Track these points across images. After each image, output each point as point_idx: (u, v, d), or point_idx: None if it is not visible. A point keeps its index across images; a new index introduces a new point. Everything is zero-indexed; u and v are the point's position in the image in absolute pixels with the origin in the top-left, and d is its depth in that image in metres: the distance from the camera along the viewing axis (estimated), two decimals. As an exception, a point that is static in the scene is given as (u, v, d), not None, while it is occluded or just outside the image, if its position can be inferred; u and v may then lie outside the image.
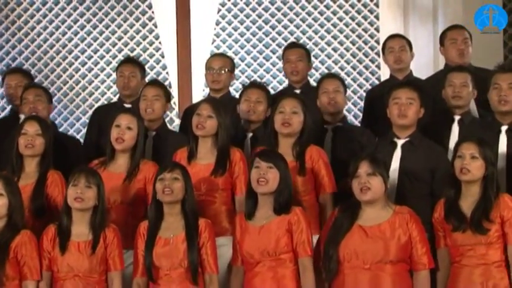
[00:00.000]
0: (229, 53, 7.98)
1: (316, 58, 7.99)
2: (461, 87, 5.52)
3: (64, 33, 8.01)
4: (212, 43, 7.94)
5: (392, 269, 4.54)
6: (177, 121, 7.32)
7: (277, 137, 5.19)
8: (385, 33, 7.34)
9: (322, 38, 8.02)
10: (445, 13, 7.74)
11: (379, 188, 4.57)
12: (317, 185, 5.15)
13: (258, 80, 7.80)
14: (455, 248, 4.61)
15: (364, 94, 7.24)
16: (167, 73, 7.91)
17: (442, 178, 4.94)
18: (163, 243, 4.71)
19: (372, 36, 7.99)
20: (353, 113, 7.89)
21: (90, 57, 7.98)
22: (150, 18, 8.02)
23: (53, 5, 8.00)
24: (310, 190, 5.14)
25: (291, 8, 8.04)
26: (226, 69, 6.14)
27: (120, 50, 8.01)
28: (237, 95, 6.09)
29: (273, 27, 8.04)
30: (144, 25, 8.04)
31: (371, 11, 8.00)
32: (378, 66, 7.87)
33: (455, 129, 5.48)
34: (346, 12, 8.01)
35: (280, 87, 7.36)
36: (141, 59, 7.93)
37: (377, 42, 7.83)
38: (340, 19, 8.02)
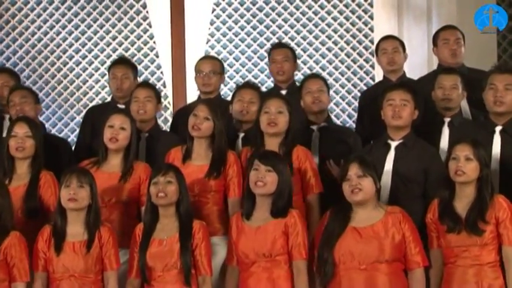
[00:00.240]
0: (224, 53, 8.02)
1: (311, 58, 8.01)
2: (451, 89, 5.53)
3: (58, 33, 8.01)
4: (206, 43, 7.95)
5: (388, 268, 4.55)
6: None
7: (264, 138, 5.19)
8: (379, 33, 7.35)
9: (316, 37, 8.03)
10: (439, 13, 7.75)
11: (370, 189, 4.59)
12: (304, 185, 5.16)
13: (253, 79, 7.85)
14: (450, 249, 4.62)
15: (359, 94, 7.25)
16: (161, 73, 7.92)
17: (435, 179, 4.96)
18: (157, 244, 4.71)
19: (366, 36, 8.00)
20: (347, 112, 7.91)
21: (84, 57, 7.98)
22: (145, 18, 8.02)
23: (47, 5, 8.00)
24: (298, 191, 5.13)
25: (285, 8, 8.05)
26: (216, 72, 6.14)
27: (114, 50, 8.01)
28: (228, 97, 6.09)
29: (267, 27, 8.05)
30: (138, 25, 8.04)
31: (365, 11, 8.01)
32: (372, 66, 7.88)
33: (445, 131, 5.49)
34: (341, 12, 8.02)
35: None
36: (135, 58, 7.97)
37: (371, 42, 7.84)
38: (335, 19, 8.03)
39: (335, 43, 8.03)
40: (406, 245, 4.58)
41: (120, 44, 8.02)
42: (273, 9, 8.05)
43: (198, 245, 4.71)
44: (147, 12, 7.99)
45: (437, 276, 4.68)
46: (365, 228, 4.58)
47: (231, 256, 4.78)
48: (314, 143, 5.56)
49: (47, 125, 7.83)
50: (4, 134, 5.47)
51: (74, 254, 4.68)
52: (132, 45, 8.02)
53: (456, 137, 5.15)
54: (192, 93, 7.54)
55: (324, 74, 7.96)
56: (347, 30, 8.02)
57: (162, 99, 7.75)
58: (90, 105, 7.61)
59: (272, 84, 7.63)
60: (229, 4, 8.04)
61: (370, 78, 7.90)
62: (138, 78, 7.82)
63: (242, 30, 8.05)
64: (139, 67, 7.95)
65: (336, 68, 8.01)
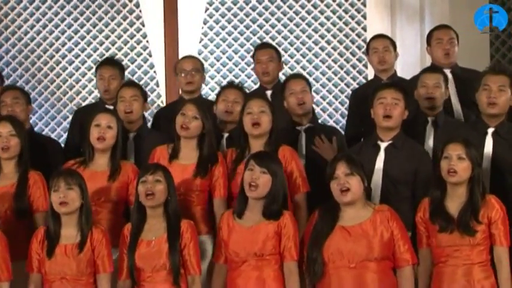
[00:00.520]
0: (217, 52, 8.02)
1: (304, 57, 8.01)
2: (434, 88, 5.54)
3: (51, 32, 7.99)
4: (200, 42, 7.94)
5: (377, 266, 4.56)
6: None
7: (248, 139, 5.19)
8: (372, 32, 7.34)
9: (309, 37, 8.03)
10: (432, 13, 7.76)
11: (358, 188, 4.60)
12: (291, 185, 5.14)
13: (246, 79, 7.86)
14: (441, 248, 4.63)
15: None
16: (155, 72, 7.91)
17: (423, 179, 4.98)
18: (145, 245, 4.70)
19: (359, 35, 8.01)
20: (340, 111, 7.91)
21: (77, 56, 7.96)
22: (138, 17, 8.01)
23: (40, 4, 7.98)
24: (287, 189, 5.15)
25: (278, 7, 8.05)
26: (199, 70, 6.17)
27: (107, 49, 8.00)
28: (210, 97, 6.10)
29: (260, 26, 8.05)
30: (131, 24, 8.03)
31: (358, 10, 8.02)
32: (365, 65, 7.88)
33: (429, 130, 5.51)
34: (334, 11, 8.03)
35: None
36: (128, 57, 7.97)
37: (364, 41, 7.83)
38: (328, 18, 8.04)
39: (328, 42, 8.03)
40: (395, 242, 4.59)
41: (113, 43, 8.01)
42: (266, 8, 8.05)
43: (187, 245, 4.71)
44: (140, 11, 7.97)
45: (426, 275, 4.69)
46: (354, 226, 4.59)
47: (219, 254, 4.79)
48: (300, 144, 5.56)
49: (39, 124, 7.85)
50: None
51: (67, 256, 4.66)
52: (125, 44, 8.01)
53: (442, 136, 5.18)
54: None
55: (317, 73, 8.00)
56: (340, 30, 8.03)
57: (156, 99, 7.85)
58: (83, 104, 7.60)
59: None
60: (223, 3, 8.03)
61: (363, 77, 7.91)
62: (131, 78, 7.90)
63: (235, 29, 8.04)
64: (133, 66, 7.96)
65: (329, 67, 8.02)
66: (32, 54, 7.97)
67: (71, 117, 7.64)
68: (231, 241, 4.71)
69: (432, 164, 5.00)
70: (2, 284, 4.64)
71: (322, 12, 8.03)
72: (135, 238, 4.71)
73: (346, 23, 8.03)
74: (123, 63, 7.87)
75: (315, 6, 8.02)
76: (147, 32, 7.92)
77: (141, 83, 7.82)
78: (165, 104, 7.56)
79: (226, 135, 5.62)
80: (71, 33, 7.99)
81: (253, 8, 8.06)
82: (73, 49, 7.98)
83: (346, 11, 8.03)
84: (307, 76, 7.85)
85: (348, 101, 7.58)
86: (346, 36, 8.01)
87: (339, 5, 8.02)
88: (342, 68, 8.02)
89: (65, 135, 7.53)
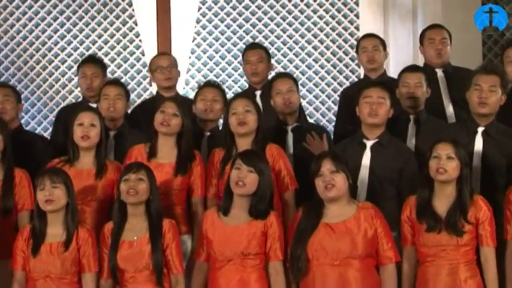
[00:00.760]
0: (210, 51, 8.02)
1: (297, 56, 8.01)
2: (415, 87, 5.57)
3: (44, 31, 7.98)
4: (192, 41, 7.94)
5: (360, 264, 4.58)
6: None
7: (234, 139, 5.19)
8: (365, 31, 7.33)
9: (302, 36, 8.03)
10: (425, 12, 7.77)
11: (343, 184, 4.61)
12: (279, 183, 5.17)
13: (239, 78, 7.86)
14: (428, 248, 4.64)
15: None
16: (147, 71, 7.90)
17: (408, 178, 5.00)
18: (127, 246, 4.69)
19: (352, 34, 8.01)
20: (333, 111, 7.89)
21: (70, 55, 7.94)
22: (131, 16, 8.00)
23: (32, 3, 7.97)
24: (274, 188, 5.14)
25: (271, 6, 8.04)
26: (175, 66, 6.21)
27: (100, 48, 7.99)
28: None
29: (253, 25, 8.04)
30: (124, 23, 8.02)
31: (351, 10, 8.02)
32: (358, 65, 7.83)
33: (412, 128, 5.52)
34: (327, 11, 8.03)
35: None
36: (121, 56, 7.96)
37: (357, 40, 7.82)
38: (321, 17, 8.04)
39: (321, 41, 8.03)
40: (378, 240, 4.61)
41: (106, 41, 8.00)
42: (259, 7, 8.05)
43: (169, 245, 4.71)
44: (133, 10, 7.97)
45: (410, 274, 4.71)
46: (337, 224, 4.60)
47: (200, 251, 4.78)
48: (288, 144, 5.57)
49: (32, 123, 7.84)
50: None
51: (51, 255, 4.66)
52: (118, 44, 8.00)
53: (424, 135, 5.26)
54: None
55: (310, 72, 8.00)
56: (333, 29, 8.03)
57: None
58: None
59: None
60: (216, 2, 8.03)
61: (356, 76, 7.91)
62: (124, 77, 7.90)
63: (228, 28, 8.04)
64: (125, 65, 7.96)
65: (321, 67, 8.02)
66: (25, 53, 7.96)
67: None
68: (216, 240, 4.70)
69: (416, 162, 5.04)
70: None
71: (315, 11, 8.03)
72: (116, 238, 4.70)
73: (339, 22, 8.03)
74: (116, 62, 7.94)
75: (308, 5, 8.02)
76: (140, 31, 7.92)
77: (134, 81, 7.85)
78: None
79: (207, 134, 5.62)
80: (64, 32, 7.98)
81: (246, 7, 8.05)
82: (66, 48, 7.97)
83: (339, 10, 8.03)
84: (300, 75, 7.93)
85: (342, 101, 7.64)
86: (339, 35, 8.01)
87: (332, 4, 8.02)
88: (335, 67, 8.02)
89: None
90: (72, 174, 4.95)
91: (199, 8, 7.98)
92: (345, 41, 8.00)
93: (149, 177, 4.75)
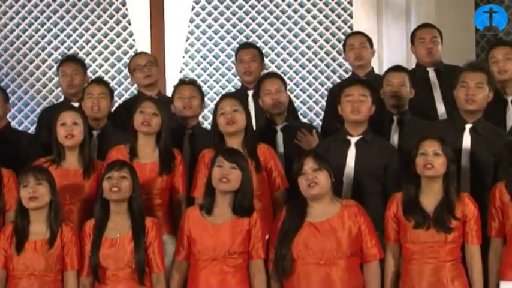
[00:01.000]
0: (203, 51, 8.03)
1: (291, 56, 8.01)
2: (399, 86, 5.59)
3: (37, 30, 7.99)
4: (186, 41, 7.94)
5: (346, 263, 4.58)
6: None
7: (224, 140, 5.19)
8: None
9: (296, 35, 8.03)
10: (418, 11, 7.76)
11: (326, 182, 4.62)
12: (270, 182, 5.19)
13: (232, 77, 7.86)
14: (415, 244, 4.64)
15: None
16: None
17: (393, 175, 5.02)
18: (110, 243, 4.69)
19: (345, 34, 7.91)
20: (326, 110, 7.91)
21: (63, 55, 7.90)
22: (124, 16, 8.00)
23: (26, 2, 7.98)
24: (266, 187, 5.18)
25: (264, 6, 8.05)
26: (154, 63, 6.23)
27: (93, 47, 8.00)
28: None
29: (247, 25, 8.05)
30: (117, 22, 8.02)
31: (345, 9, 8.02)
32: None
33: (395, 128, 5.53)
34: (320, 10, 8.03)
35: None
36: (114, 56, 7.97)
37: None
38: (314, 17, 8.04)
39: (315, 41, 8.03)
40: (362, 237, 4.62)
41: (100, 41, 8.01)
42: (252, 7, 8.05)
43: (152, 243, 4.71)
44: (126, 9, 7.97)
45: (394, 271, 4.71)
46: (322, 223, 4.60)
47: (181, 249, 4.76)
48: (278, 143, 5.59)
49: (25, 123, 7.85)
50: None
51: (35, 252, 4.66)
52: (112, 43, 8.01)
53: (408, 134, 5.29)
54: (171, 91, 7.54)
55: (304, 72, 8.00)
56: (327, 28, 8.03)
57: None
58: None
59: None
60: (209, 2, 8.03)
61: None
62: (118, 76, 7.91)
63: (222, 28, 8.04)
64: (119, 64, 7.96)
65: (315, 66, 8.01)
66: (18, 52, 7.98)
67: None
68: (201, 239, 4.69)
69: (400, 161, 5.06)
70: None
71: (308, 10, 8.03)
72: (98, 235, 4.70)
73: (332, 22, 8.03)
74: (110, 61, 7.94)
75: (301, 4, 8.02)
76: (134, 30, 7.93)
77: (127, 81, 7.85)
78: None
79: (189, 132, 5.62)
80: (57, 31, 7.99)
81: (240, 7, 8.05)
82: (59, 47, 7.98)
83: (332, 10, 8.03)
84: (294, 75, 7.93)
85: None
86: (333, 34, 8.00)
87: (326, 4, 8.02)
88: (328, 67, 8.02)
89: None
90: (59, 173, 4.97)
91: (193, 8, 7.99)
92: (339, 40, 7.98)
93: (132, 175, 4.75)
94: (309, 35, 8.03)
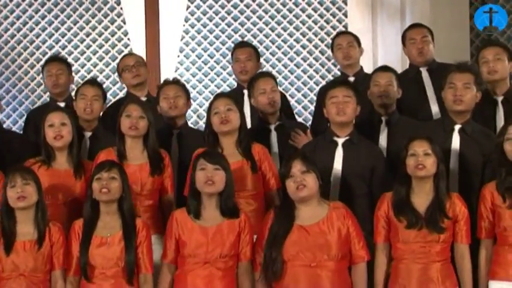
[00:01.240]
0: (198, 50, 8.02)
1: (285, 55, 8.01)
2: (386, 86, 5.58)
3: (31, 29, 8.00)
4: (181, 40, 7.94)
5: (335, 266, 4.58)
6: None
7: (218, 140, 5.18)
8: (353, 30, 7.29)
9: (291, 35, 8.02)
10: (413, 11, 7.75)
11: (314, 184, 4.61)
12: (264, 182, 5.19)
13: (227, 77, 7.86)
14: (406, 244, 4.64)
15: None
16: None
17: (379, 176, 5.03)
18: (100, 242, 4.69)
19: (340, 33, 7.99)
20: (321, 109, 7.90)
21: (58, 54, 7.95)
22: (119, 15, 8.01)
23: (20, 1, 7.99)
24: (261, 187, 5.18)
25: (259, 5, 8.04)
26: (142, 63, 6.24)
27: (88, 46, 8.00)
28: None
29: (241, 24, 8.04)
30: (112, 21, 8.03)
31: (339, 8, 8.01)
32: (347, 64, 7.87)
33: (383, 129, 5.52)
34: (315, 9, 8.02)
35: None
36: (109, 55, 7.97)
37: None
38: (309, 16, 8.03)
39: (309, 40, 8.03)
40: (351, 239, 4.62)
41: (94, 40, 8.01)
42: (247, 6, 8.04)
43: (142, 243, 4.71)
44: (121, 9, 7.98)
45: (383, 271, 4.71)
46: (311, 225, 4.60)
47: (168, 252, 4.75)
48: (273, 142, 5.59)
49: (20, 122, 7.85)
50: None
51: (24, 252, 4.65)
52: (106, 42, 8.02)
53: (396, 135, 5.27)
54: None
55: (299, 72, 7.99)
56: (321, 28, 8.02)
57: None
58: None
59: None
60: (204, 1, 8.03)
61: (345, 75, 7.90)
62: (113, 75, 7.90)
63: (217, 27, 8.04)
64: (114, 64, 7.95)
65: (310, 66, 8.01)
66: (12, 51, 8.00)
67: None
68: (191, 242, 4.67)
69: (388, 162, 5.07)
70: None
71: (303, 10, 8.02)
72: (88, 234, 4.70)
73: (327, 21, 8.02)
74: (104, 60, 7.95)
75: (296, 4, 8.02)
76: (129, 29, 7.93)
77: (122, 80, 7.84)
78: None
79: (176, 132, 5.62)
80: (52, 30, 8.00)
81: (235, 6, 8.05)
82: (54, 46, 7.99)
83: (327, 9, 8.02)
84: (289, 74, 7.93)
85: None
86: (328, 34, 7.99)
87: (320, 3, 8.01)
88: (323, 66, 8.01)
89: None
90: (51, 174, 4.98)
91: (188, 7, 7.99)
92: (334, 39, 7.98)
93: (121, 175, 4.75)
94: (303, 34, 8.02)
